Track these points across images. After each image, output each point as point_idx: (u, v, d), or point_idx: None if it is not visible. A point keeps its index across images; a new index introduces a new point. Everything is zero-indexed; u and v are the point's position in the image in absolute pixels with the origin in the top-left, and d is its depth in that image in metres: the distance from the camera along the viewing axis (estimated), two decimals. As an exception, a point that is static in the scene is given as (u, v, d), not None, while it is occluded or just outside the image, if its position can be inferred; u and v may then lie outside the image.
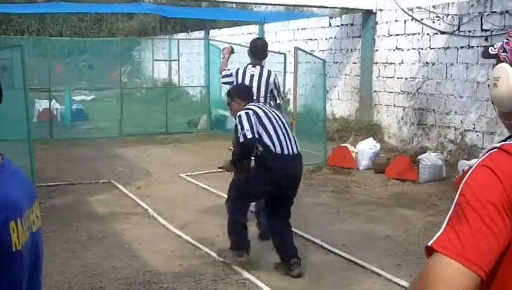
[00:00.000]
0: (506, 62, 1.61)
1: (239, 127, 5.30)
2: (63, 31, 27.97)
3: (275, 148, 5.32)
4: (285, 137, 5.40)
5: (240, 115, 5.35)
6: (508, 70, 1.58)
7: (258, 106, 5.60)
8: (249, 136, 5.22)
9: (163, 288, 5.20)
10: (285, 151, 5.35)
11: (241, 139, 5.31)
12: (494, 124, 9.56)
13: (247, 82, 6.74)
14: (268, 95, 6.85)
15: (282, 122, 5.51)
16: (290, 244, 5.54)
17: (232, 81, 6.93)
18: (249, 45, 7.08)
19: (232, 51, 7.42)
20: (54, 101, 15.22)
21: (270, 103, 6.79)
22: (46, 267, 5.59)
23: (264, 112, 5.48)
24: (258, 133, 5.29)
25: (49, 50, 15.34)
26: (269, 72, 6.91)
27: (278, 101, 6.99)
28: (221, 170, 5.91)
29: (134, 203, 8.02)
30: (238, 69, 7.00)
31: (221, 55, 7.70)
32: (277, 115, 5.58)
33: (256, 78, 6.80)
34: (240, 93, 5.72)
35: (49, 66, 14.60)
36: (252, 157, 5.57)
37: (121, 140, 13.49)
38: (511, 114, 1.62)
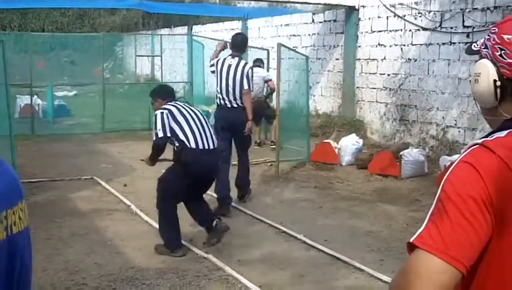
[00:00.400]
0: (487, 58, 1.61)
1: (154, 126, 5.78)
2: (44, 27, 27.72)
3: (189, 143, 5.72)
4: (200, 133, 5.79)
5: (155, 114, 5.79)
6: (488, 66, 1.59)
7: (174, 105, 5.91)
8: (160, 135, 5.71)
9: (146, 284, 5.19)
10: (200, 146, 5.76)
11: (154, 138, 5.84)
12: (476, 120, 9.65)
13: (224, 71, 7.58)
14: (241, 82, 7.53)
15: (198, 118, 5.89)
16: (210, 214, 6.23)
17: (215, 70, 7.73)
18: (230, 39, 7.93)
19: (224, 47, 8.22)
20: (35, 96, 15.11)
21: (242, 88, 7.52)
22: (28, 264, 5.58)
23: (179, 109, 5.83)
24: (173, 129, 5.71)
25: (30, 45, 15.20)
26: (245, 63, 7.73)
27: (246, 87, 7.55)
28: (143, 161, 6.42)
29: (117, 200, 7.99)
30: (218, 60, 7.76)
31: (215, 48, 8.47)
32: (193, 111, 5.97)
33: (233, 67, 7.58)
34: (160, 94, 6.15)
35: (31, 62, 14.48)
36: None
37: (103, 136, 13.43)
38: (492, 110, 1.63)
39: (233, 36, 7.99)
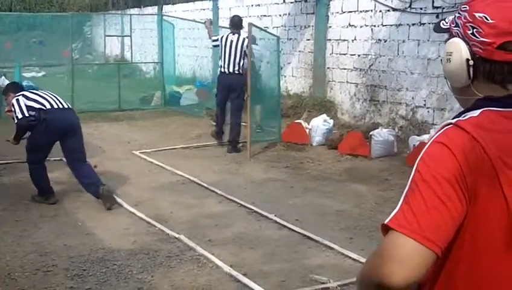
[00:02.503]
0: (458, 37, 1.60)
1: (13, 112, 6.73)
2: (12, 6, 27.21)
3: (45, 106, 6.75)
4: (52, 98, 6.88)
5: (12, 102, 6.73)
6: (460, 45, 1.58)
7: (25, 91, 7.01)
8: (20, 116, 6.65)
9: (117, 265, 5.18)
10: (55, 106, 6.80)
11: (16, 121, 6.76)
12: (445, 100, 9.75)
13: (228, 45, 9.73)
14: (242, 54, 9.70)
15: (47, 93, 7.06)
16: (96, 177, 6.97)
17: (219, 45, 9.86)
18: (229, 21, 10.36)
19: (211, 23, 11.03)
20: (3, 77, 14.82)
21: (242, 59, 9.69)
22: (-3, 246, 5.53)
23: (31, 92, 7.06)
24: (29, 106, 6.69)
25: (-3, 25, 14.92)
26: (244, 39, 9.77)
27: (245, 60, 9.64)
28: (8, 142, 7.22)
29: (87, 181, 7.92)
30: (222, 36, 10.02)
31: (205, 27, 10.89)
32: (41, 91, 7.39)
33: (234, 43, 9.76)
34: (11, 89, 7.19)
35: (-2, 42, 14.22)
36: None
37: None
38: (463, 89, 1.62)
39: (231, 18, 10.36)
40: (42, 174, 7.04)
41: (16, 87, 7.36)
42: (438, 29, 1.73)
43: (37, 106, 6.73)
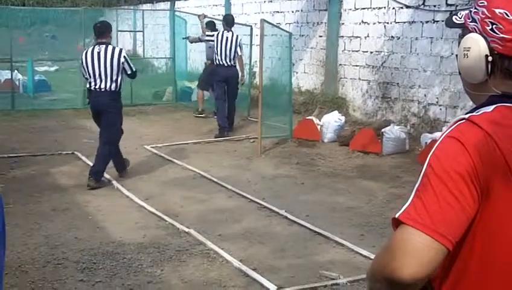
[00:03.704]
0: (476, 32, 1.57)
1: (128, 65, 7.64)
2: (25, 1, 27.33)
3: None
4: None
5: (125, 56, 7.62)
6: (479, 41, 1.55)
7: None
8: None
9: (127, 259, 5.19)
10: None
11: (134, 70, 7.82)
12: (457, 98, 9.69)
13: (224, 41, 10.83)
14: (235, 49, 10.90)
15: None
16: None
17: (213, 40, 10.95)
18: (222, 19, 11.59)
19: (205, 16, 12.08)
20: (16, 71, 14.90)
21: (236, 54, 10.91)
22: (8, 238, 5.55)
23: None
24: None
25: (11, 20, 14.93)
26: (237, 36, 11.05)
27: (240, 54, 10.99)
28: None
29: (98, 175, 7.95)
30: (218, 33, 11.09)
31: (200, 21, 11.96)
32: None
33: (230, 39, 10.90)
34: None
35: (11, 36, 14.25)
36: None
37: (85, 111, 13.19)
38: (479, 85, 1.60)
39: (226, 16, 11.69)
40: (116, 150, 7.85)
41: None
42: (450, 23, 1.70)
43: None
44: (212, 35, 11.07)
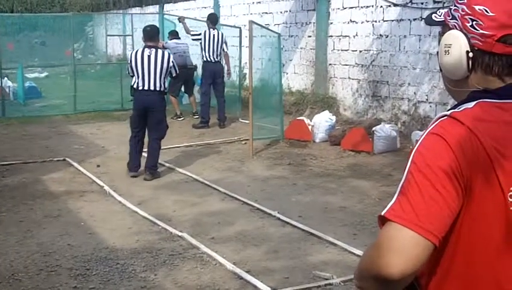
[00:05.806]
0: (456, 29, 1.59)
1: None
2: (13, 7, 27.24)
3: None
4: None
5: (168, 54, 8.29)
6: (460, 37, 1.57)
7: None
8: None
9: (120, 264, 5.19)
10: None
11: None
12: (447, 95, 9.66)
13: (211, 39, 11.61)
14: (221, 46, 11.78)
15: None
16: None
17: (201, 39, 11.66)
18: (207, 18, 12.14)
19: (184, 18, 12.85)
20: (5, 79, 14.84)
21: (222, 51, 11.82)
22: (1, 247, 5.54)
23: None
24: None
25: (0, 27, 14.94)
26: (222, 34, 11.98)
27: (226, 50, 12.00)
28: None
29: (90, 181, 7.94)
30: (204, 31, 11.75)
31: (181, 23, 12.65)
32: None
33: (216, 37, 11.71)
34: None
35: (0, 43, 14.22)
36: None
37: (75, 117, 13.27)
38: (460, 82, 1.62)
39: (211, 15, 12.27)
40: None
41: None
42: (429, 21, 1.73)
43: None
44: (199, 34, 11.77)
